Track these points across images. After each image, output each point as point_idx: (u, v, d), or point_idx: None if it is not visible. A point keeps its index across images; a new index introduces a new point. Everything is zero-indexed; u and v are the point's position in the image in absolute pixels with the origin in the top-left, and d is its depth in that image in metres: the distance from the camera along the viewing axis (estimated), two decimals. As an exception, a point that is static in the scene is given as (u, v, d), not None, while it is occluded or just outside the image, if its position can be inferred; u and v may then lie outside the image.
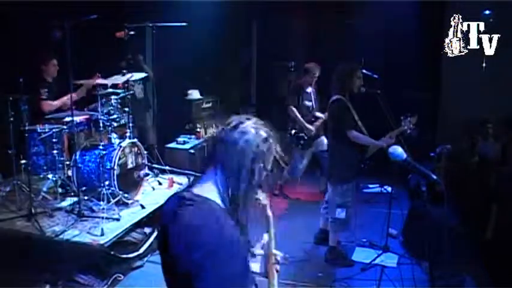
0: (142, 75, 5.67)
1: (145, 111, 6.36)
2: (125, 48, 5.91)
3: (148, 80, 6.21)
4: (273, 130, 1.63)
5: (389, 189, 5.46)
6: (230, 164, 1.55)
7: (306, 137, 5.65)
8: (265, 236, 1.90)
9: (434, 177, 2.02)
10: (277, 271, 1.89)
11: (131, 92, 5.29)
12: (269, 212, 1.88)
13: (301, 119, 5.61)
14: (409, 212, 4.64)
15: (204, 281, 1.44)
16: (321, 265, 4.18)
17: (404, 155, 2.09)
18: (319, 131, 5.69)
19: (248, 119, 1.60)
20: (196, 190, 1.58)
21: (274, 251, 1.89)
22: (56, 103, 5.05)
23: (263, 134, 1.57)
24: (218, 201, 1.56)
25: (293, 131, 5.69)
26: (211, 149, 1.64)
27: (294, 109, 5.64)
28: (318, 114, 5.71)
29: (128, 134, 5.03)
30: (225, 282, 1.47)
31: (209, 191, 1.57)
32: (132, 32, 5.47)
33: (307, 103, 5.72)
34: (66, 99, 4.98)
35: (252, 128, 1.56)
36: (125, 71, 5.23)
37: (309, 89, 5.74)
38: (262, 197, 1.72)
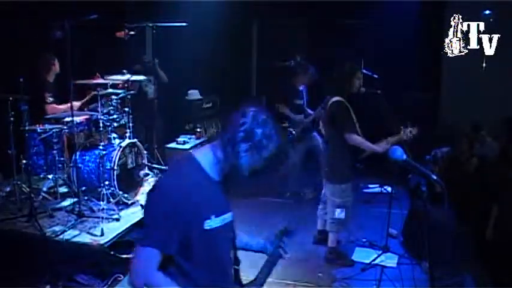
0: (142, 77, 5.66)
1: (154, 112, 6.36)
2: (125, 48, 5.93)
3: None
4: (276, 124, 1.72)
5: (389, 189, 5.46)
6: (224, 136, 1.69)
7: (294, 132, 5.68)
8: None
9: (435, 177, 2.02)
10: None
11: (132, 91, 5.28)
12: None
13: (290, 113, 5.65)
14: (409, 212, 4.64)
15: (143, 230, 1.69)
16: (321, 265, 4.18)
17: (404, 156, 2.09)
18: (310, 127, 5.72)
19: (254, 107, 1.72)
20: (194, 151, 1.79)
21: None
22: (61, 108, 5.05)
23: (259, 118, 1.68)
24: (206, 165, 1.73)
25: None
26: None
27: (283, 106, 5.69)
28: (309, 111, 5.74)
29: (128, 134, 5.03)
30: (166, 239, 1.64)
31: (203, 154, 1.75)
32: (132, 32, 5.48)
33: (299, 101, 5.76)
34: (75, 105, 4.99)
35: (251, 111, 1.69)
36: (125, 71, 5.24)
37: (301, 87, 5.78)
38: None
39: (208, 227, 1.70)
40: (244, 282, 1.95)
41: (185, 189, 1.66)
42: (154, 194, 1.71)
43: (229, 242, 1.86)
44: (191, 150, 1.79)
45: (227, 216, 1.79)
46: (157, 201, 1.68)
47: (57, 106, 5.04)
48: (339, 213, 4.09)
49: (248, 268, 2.05)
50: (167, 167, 1.72)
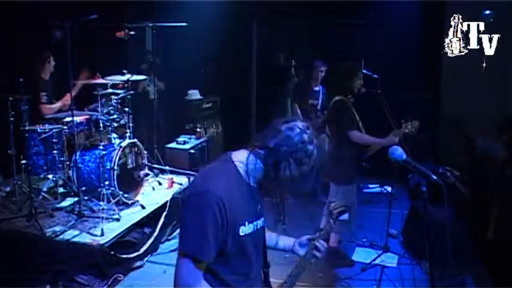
0: (142, 76, 5.67)
1: (155, 112, 6.36)
2: (125, 48, 5.93)
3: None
4: (317, 139, 1.73)
5: (389, 189, 5.47)
6: (268, 147, 1.67)
7: None
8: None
9: (435, 177, 2.01)
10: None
11: (132, 91, 5.29)
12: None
13: (299, 114, 5.63)
14: (409, 212, 4.64)
15: (184, 238, 1.64)
16: (321, 265, 4.18)
17: (404, 156, 2.09)
18: (322, 128, 5.69)
19: (302, 121, 1.73)
20: (232, 154, 1.76)
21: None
22: (55, 106, 5.04)
23: (305, 136, 1.68)
24: (244, 170, 1.71)
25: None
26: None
27: (296, 106, 5.68)
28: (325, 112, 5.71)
29: (128, 134, 5.03)
30: (202, 240, 1.59)
31: (242, 158, 1.72)
32: (132, 32, 5.48)
33: (312, 101, 5.73)
34: (65, 99, 4.98)
35: (298, 128, 1.68)
36: (125, 71, 5.24)
37: (317, 87, 5.75)
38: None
39: (242, 233, 1.68)
40: (273, 285, 1.96)
41: (224, 194, 1.61)
42: (192, 199, 1.65)
43: (260, 246, 1.85)
44: (229, 152, 1.76)
45: (260, 222, 1.79)
46: (197, 207, 1.61)
47: (51, 106, 5.02)
48: (343, 215, 4.07)
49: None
50: (203, 169, 1.67)
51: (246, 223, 1.70)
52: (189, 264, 1.60)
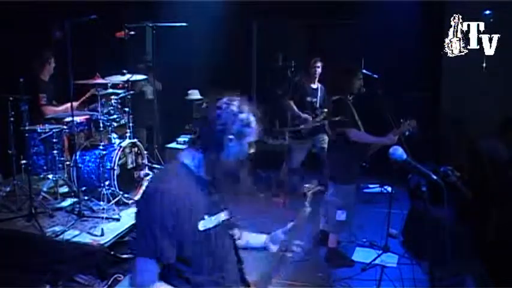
0: (143, 76, 5.67)
1: (153, 112, 6.36)
2: (125, 48, 5.93)
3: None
4: (254, 110, 1.72)
5: (389, 189, 5.47)
6: (204, 133, 1.71)
7: (301, 131, 5.66)
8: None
9: (434, 177, 2.02)
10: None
11: (132, 91, 5.29)
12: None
13: (296, 109, 5.62)
14: (409, 212, 4.64)
15: (137, 240, 1.63)
16: (321, 265, 4.18)
17: (405, 156, 2.09)
18: (320, 127, 5.69)
19: (228, 97, 1.72)
20: (179, 154, 1.77)
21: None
22: (59, 109, 5.05)
23: (234, 108, 1.67)
24: (193, 166, 1.71)
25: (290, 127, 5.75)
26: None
27: (291, 102, 5.66)
28: (325, 110, 5.68)
29: (128, 134, 5.03)
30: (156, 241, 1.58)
31: (187, 154, 1.74)
32: (132, 32, 5.48)
33: (311, 99, 5.70)
34: (69, 105, 4.99)
35: (224, 103, 1.68)
36: (125, 71, 5.23)
37: (315, 85, 5.72)
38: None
39: (203, 228, 1.67)
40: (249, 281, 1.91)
41: (173, 192, 1.61)
42: (143, 201, 1.67)
43: (228, 241, 1.82)
44: (177, 154, 1.78)
45: (222, 215, 1.77)
46: (147, 208, 1.62)
47: (55, 108, 5.03)
48: (340, 215, 4.08)
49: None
50: (154, 173, 1.69)
51: (206, 217, 1.68)
52: (142, 264, 1.61)
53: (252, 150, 1.74)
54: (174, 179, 1.66)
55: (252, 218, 4.63)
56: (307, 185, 2.04)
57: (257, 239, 2.04)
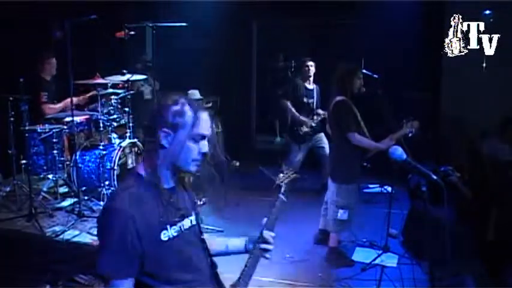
0: (142, 76, 5.67)
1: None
2: (125, 48, 5.92)
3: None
4: (194, 103, 1.67)
5: (389, 189, 5.46)
6: (145, 139, 1.69)
7: (300, 132, 5.66)
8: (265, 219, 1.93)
9: (434, 177, 2.02)
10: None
11: (132, 91, 5.29)
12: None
13: (295, 112, 5.62)
14: (409, 212, 4.64)
15: (100, 260, 1.57)
16: (321, 265, 4.18)
17: (404, 156, 2.09)
18: (319, 127, 5.70)
19: (159, 94, 1.70)
20: (136, 167, 1.73)
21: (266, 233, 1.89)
22: (58, 106, 5.06)
23: (166, 100, 1.64)
24: (150, 175, 1.65)
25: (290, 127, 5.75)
26: None
27: (288, 103, 5.66)
28: (320, 111, 5.69)
29: (128, 134, 5.03)
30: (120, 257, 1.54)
31: (143, 165, 1.69)
32: (132, 32, 5.47)
33: (307, 100, 5.71)
34: (67, 101, 4.99)
35: (159, 99, 1.69)
36: (125, 71, 5.23)
37: (311, 86, 5.73)
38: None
39: (166, 238, 1.62)
40: (226, 285, 1.85)
41: (131, 207, 1.56)
42: (102, 219, 1.62)
43: (196, 247, 1.76)
44: (134, 166, 1.74)
45: (186, 222, 1.72)
46: (106, 226, 1.57)
47: (54, 106, 5.04)
48: (342, 214, 4.07)
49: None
50: (113, 190, 1.60)
51: (168, 227, 1.63)
52: (111, 284, 1.56)
53: (204, 148, 1.67)
54: (130, 192, 1.61)
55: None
56: (281, 175, 1.95)
57: (236, 242, 1.96)
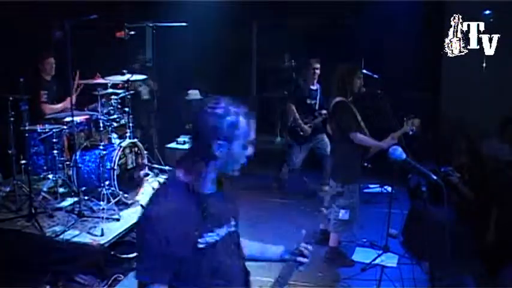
0: (142, 76, 5.67)
1: (149, 112, 6.35)
2: (125, 48, 5.93)
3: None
4: (244, 110, 1.64)
5: (389, 189, 5.46)
6: (195, 144, 1.65)
7: (301, 133, 5.66)
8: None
9: (434, 177, 2.02)
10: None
11: (132, 91, 5.28)
12: None
13: (298, 119, 5.62)
14: (409, 212, 4.64)
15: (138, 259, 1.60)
16: (321, 265, 4.18)
17: (404, 156, 2.09)
18: (320, 128, 5.69)
19: (215, 99, 1.64)
20: (177, 170, 1.68)
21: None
22: (58, 106, 5.06)
23: (219, 111, 1.60)
24: (193, 181, 1.62)
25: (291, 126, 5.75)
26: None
27: (293, 107, 5.66)
28: (322, 111, 5.68)
29: (128, 134, 5.03)
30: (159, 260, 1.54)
31: (185, 170, 1.65)
32: (132, 32, 5.48)
33: (310, 101, 5.69)
34: (67, 102, 4.99)
35: (209, 108, 1.61)
36: (125, 71, 5.23)
37: (315, 86, 5.71)
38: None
39: (202, 246, 1.61)
40: None
41: (171, 213, 1.55)
42: (141, 225, 1.62)
43: (233, 254, 1.75)
44: (175, 169, 1.69)
45: (225, 228, 1.71)
46: (145, 232, 1.56)
47: (54, 106, 5.04)
48: (343, 214, 4.07)
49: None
50: (152, 194, 1.57)
51: (205, 235, 1.62)
52: None
53: (250, 152, 1.67)
54: (171, 198, 1.60)
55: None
56: (326, 187, 1.97)
57: (273, 250, 1.99)
